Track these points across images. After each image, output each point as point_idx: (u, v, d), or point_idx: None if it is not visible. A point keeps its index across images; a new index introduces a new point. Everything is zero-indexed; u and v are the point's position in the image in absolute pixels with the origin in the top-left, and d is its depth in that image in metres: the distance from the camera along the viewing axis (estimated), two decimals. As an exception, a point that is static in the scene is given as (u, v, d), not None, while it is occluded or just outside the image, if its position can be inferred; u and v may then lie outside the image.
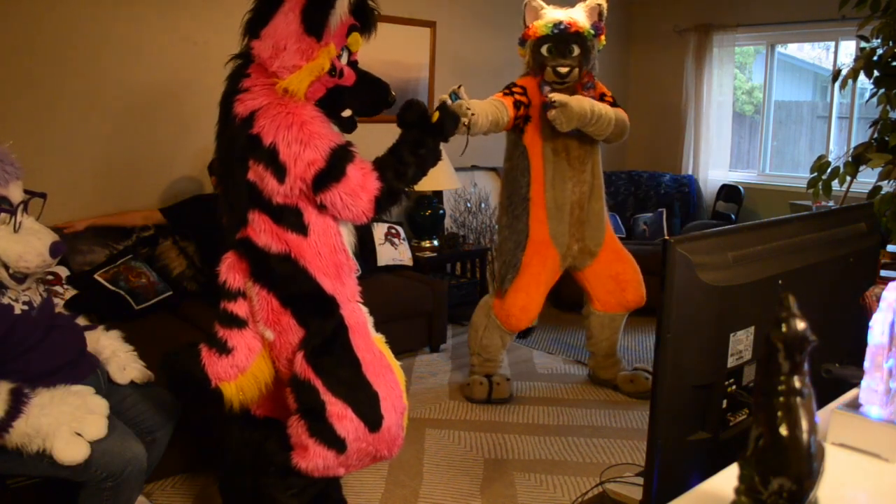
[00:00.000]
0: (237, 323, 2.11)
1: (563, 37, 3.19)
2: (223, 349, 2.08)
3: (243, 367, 2.10)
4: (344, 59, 2.10)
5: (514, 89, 3.27)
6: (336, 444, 2.01)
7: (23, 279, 1.95)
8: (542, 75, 3.26)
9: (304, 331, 2.07)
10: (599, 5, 3.28)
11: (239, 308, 2.11)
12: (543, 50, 3.23)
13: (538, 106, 3.24)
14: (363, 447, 2.05)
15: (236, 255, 2.13)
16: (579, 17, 3.24)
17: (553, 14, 3.27)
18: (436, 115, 2.19)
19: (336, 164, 1.99)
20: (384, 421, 2.05)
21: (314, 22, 1.98)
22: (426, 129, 2.16)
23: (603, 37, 3.32)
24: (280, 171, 1.98)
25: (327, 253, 2.08)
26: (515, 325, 3.40)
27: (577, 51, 3.21)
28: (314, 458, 2.01)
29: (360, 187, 2.02)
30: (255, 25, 2.03)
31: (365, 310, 2.21)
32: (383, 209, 2.10)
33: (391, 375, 2.13)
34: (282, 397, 2.15)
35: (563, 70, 3.20)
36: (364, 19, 2.11)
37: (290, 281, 2.06)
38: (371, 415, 2.03)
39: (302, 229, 2.04)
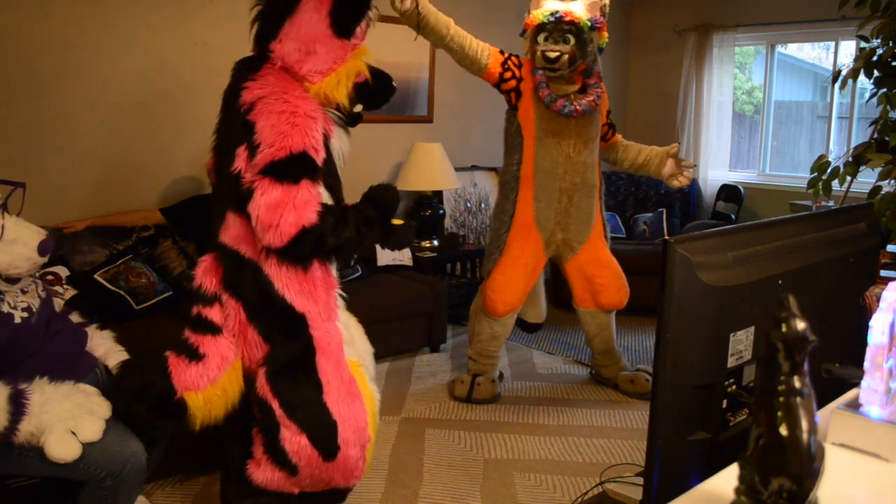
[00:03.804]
0: (211, 329, 1.98)
1: (558, 26, 3.20)
2: (194, 355, 1.94)
3: (213, 377, 1.95)
4: None
5: (512, 57, 3.30)
6: (287, 466, 1.95)
7: (17, 280, 1.94)
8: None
9: (269, 347, 1.97)
10: (602, 0, 3.28)
11: (214, 314, 1.99)
12: (540, 38, 3.25)
13: (532, 88, 3.26)
14: (316, 474, 1.98)
15: (214, 258, 2.05)
16: (577, 8, 3.25)
17: (551, 4, 3.28)
18: (400, 222, 2.08)
19: (296, 165, 1.84)
20: (340, 451, 1.96)
21: (346, 24, 1.89)
22: (382, 219, 2.03)
23: (605, 33, 3.31)
24: (253, 153, 1.87)
25: (301, 268, 1.95)
26: (492, 308, 3.40)
27: (572, 41, 3.20)
28: (265, 474, 1.98)
29: (298, 205, 1.82)
30: (270, 26, 1.93)
31: (342, 329, 2.08)
32: (303, 246, 1.86)
33: (358, 404, 2.02)
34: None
35: (552, 55, 3.19)
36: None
37: (257, 293, 1.95)
38: (326, 444, 1.95)
39: None
